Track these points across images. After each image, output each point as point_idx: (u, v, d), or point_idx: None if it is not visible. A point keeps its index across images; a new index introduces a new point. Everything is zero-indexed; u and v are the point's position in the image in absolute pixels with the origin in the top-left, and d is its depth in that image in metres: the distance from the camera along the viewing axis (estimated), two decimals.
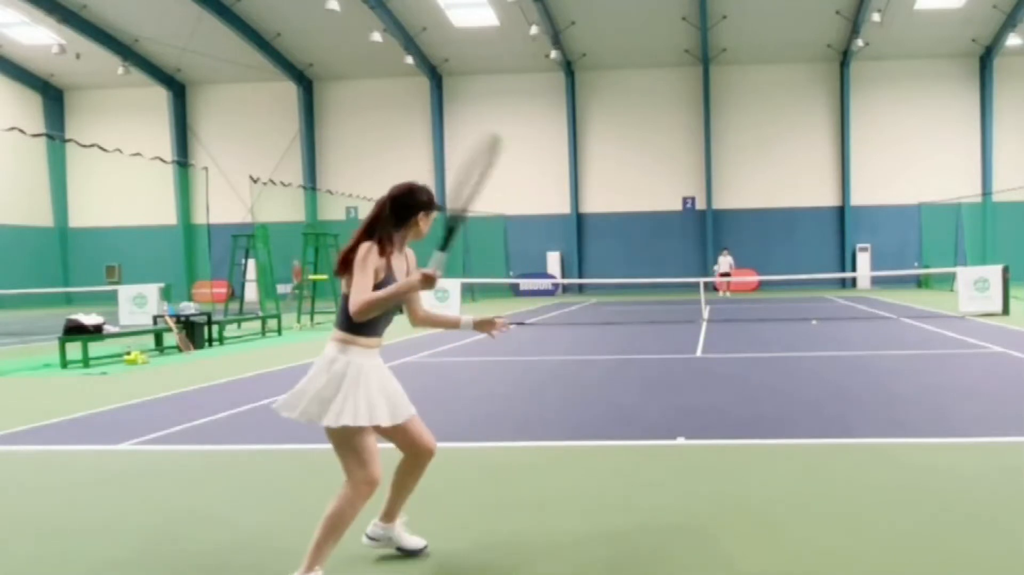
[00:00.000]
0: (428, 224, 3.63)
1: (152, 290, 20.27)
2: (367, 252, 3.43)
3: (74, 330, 12.48)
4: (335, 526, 3.38)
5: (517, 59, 34.10)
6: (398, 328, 15.71)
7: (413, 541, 3.87)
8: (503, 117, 35.58)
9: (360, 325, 3.44)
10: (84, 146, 17.94)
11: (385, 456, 3.52)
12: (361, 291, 3.36)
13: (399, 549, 3.86)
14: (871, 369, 9.92)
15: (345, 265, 3.46)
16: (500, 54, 33.89)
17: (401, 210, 3.55)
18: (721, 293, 30.97)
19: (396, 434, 3.65)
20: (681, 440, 6.19)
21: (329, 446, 3.51)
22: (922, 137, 34.11)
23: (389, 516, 3.84)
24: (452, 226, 3.45)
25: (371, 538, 3.84)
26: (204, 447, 6.41)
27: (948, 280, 27.37)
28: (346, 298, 3.44)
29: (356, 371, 3.44)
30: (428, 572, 3.70)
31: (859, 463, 5.46)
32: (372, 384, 3.46)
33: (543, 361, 11.69)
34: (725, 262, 31.87)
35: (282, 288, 18.73)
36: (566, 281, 34.37)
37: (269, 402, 8.33)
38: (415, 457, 3.74)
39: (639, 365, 10.98)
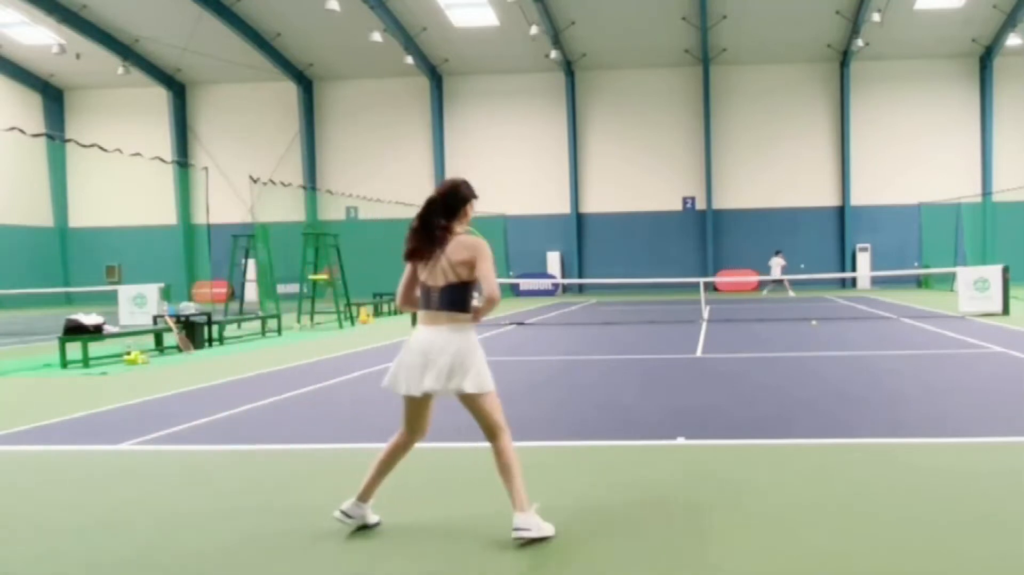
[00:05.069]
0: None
1: (152, 290, 20.25)
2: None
3: (74, 330, 12.47)
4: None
5: (517, 59, 34.09)
6: (399, 325, 15.54)
7: (374, 518, 4.26)
8: (503, 117, 35.62)
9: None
10: (84, 146, 17.89)
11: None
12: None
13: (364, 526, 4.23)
14: (871, 369, 9.92)
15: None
16: (500, 54, 33.88)
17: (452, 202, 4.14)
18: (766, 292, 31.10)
19: (407, 407, 4.15)
20: (681, 440, 6.19)
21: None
22: (922, 137, 34.11)
23: (365, 496, 4.20)
24: None
25: (346, 514, 4.14)
26: (204, 447, 6.40)
27: (948, 280, 27.36)
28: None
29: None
30: (431, 571, 3.70)
31: (859, 463, 5.46)
32: (402, 354, 4.07)
33: (543, 361, 11.69)
34: (777, 264, 31.32)
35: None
36: (566, 281, 34.36)
37: (269, 402, 8.33)
38: (409, 435, 4.20)
39: (639, 365, 10.98)
